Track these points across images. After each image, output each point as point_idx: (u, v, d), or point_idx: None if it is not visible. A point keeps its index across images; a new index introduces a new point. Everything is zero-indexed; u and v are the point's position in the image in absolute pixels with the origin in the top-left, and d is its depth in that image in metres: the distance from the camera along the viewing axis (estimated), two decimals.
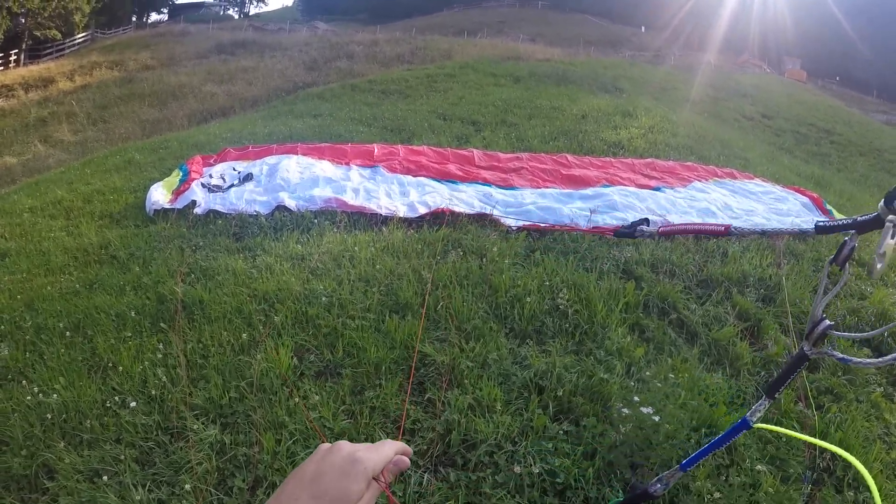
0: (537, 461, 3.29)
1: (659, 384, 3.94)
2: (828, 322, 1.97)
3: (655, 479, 2.56)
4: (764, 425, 2.26)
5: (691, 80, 29.11)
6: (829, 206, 9.30)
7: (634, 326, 4.88)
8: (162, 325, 4.81)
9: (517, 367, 4.16)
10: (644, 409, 3.45)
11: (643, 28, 60.17)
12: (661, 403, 3.63)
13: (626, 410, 3.57)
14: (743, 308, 5.37)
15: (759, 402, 2.23)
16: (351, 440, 3.19)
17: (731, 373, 4.48)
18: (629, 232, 3.18)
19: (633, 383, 4.04)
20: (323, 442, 2.99)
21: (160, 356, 4.36)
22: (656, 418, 3.42)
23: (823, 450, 3.65)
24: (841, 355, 2.00)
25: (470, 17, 64.51)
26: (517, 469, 3.23)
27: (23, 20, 44.34)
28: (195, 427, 3.61)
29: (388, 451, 1.04)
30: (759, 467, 3.41)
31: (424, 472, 3.27)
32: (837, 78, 59.96)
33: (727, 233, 2.54)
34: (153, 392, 3.97)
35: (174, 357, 4.33)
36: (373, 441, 1.20)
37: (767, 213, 8.32)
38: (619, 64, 31.25)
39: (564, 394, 3.84)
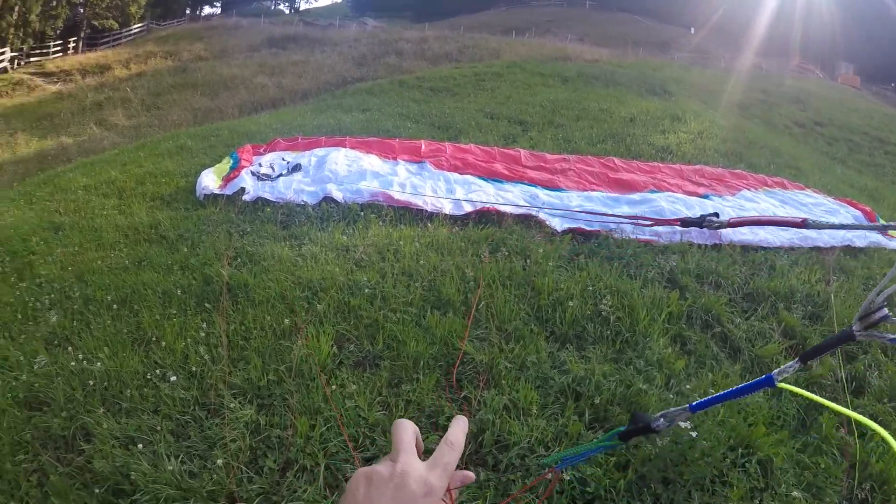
0: (569, 468, 3.25)
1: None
2: (886, 311, 1.89)
3: (660, 413, 2.49)
4: (788, 385, 2.16)
5: (741, 84, 28.17)
6: (882, 221, 9.09)
7: (676, 337, 4.77)
8: (206, 305, 4.91)
9: (555, 371, 4.11)
10: (682, 424, 3.37)
11: (692, 29, 58.96)
12: (700, 419, 3.57)
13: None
14: (789, 325, 5.18)
15: (790, 363, 2.15)
16: (384, 433, 3.20)
17: (773, 392, 4.32)
18: (697, 221, 3.11)
19: (671, 396, 3.96)
20: (343, 434, 2.91)
21: (203, 335, 4.46)
22: (693, 434, 3.36)
23: (862, 479, 3.53)
24: (892, 336, 1.91)
25: (517, 15, 64.07)
26: (549, 475, 3.21)
27: (81, 10, 45.35)
28: (232, 406, 3.69)
29: (452, 467, 0.95)
30: (794, 493, 3.31)
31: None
32: (893, 84, 58.35)
33: (804, 225, 2.47)
34: (194, 368, 4.07)
35: (216, 336, 4.42)
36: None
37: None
38: (668, 66, 30.65)
39: (601, 402, 3.80)
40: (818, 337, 5.10)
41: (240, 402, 3.75)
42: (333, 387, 3.82)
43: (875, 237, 8.05)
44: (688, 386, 4.08)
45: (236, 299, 4.98)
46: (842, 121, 25.80)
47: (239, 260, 5.76)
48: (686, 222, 3.47)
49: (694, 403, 2.40)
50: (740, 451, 3.51)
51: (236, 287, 5.15)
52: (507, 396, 3.78)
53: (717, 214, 2.93)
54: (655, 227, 6.87)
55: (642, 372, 4.18)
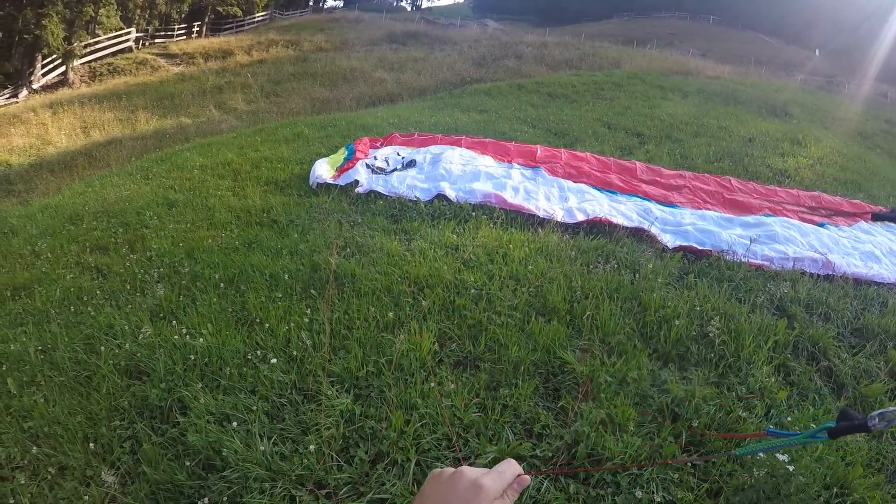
0: (660, 489, 3.15)
1: (799, 433, 3.69)
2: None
3: (877, 412, 2.30)
4: None
5: (866, 112, 26.86)
6: None
7: (780, 367, 4.56)
8: (312, 291, 4.95)
9: (655, 389, 3.98)
10: (780, 457, 3.23)
11: (817, 51, 56.63)
12: (798, 454, 3.41)
13: (761, 455, 3.35)
14: None
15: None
16: (478, 435, 3.15)
17: (874, 433, 4.13)
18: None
19: (771, 427, 3.77)
20: (450, 430, 2.88)
21: (306, 320, 4.49)
22: (790, 468, 3.20)
23: None
24: None
25: (640, 26, 62.98)
26: (638, 494, 3.10)
27: None
28: (329, 393, 3.68)
29: (508, 476, 1.06)
30: None
31: (545, 478, 3.17)
32: None
33: None
34: (294, 353, 4.10)
35: (319, 323, 4.44)
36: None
37: None
38: (791, 87, 29.44)
39: (699, 425, 3.65)
40: None
41: (337, 391, 3.75)
42: (432, 384, 3.77)
43: None
44: (788, 418, 3.88)
45: (342, 288, 5.01)
46: None
47: (348, 250, 5.81)
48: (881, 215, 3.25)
49: None
50: (835, 490, 3.34)
51: (343, 276, 5.18)
52: (604, 410, 3.67)
53: None
54: (767, 252, 6.63)
55: (743, 399, 4.02)
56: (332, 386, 3.78)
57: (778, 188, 9.88)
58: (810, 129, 17.23)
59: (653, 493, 3.12)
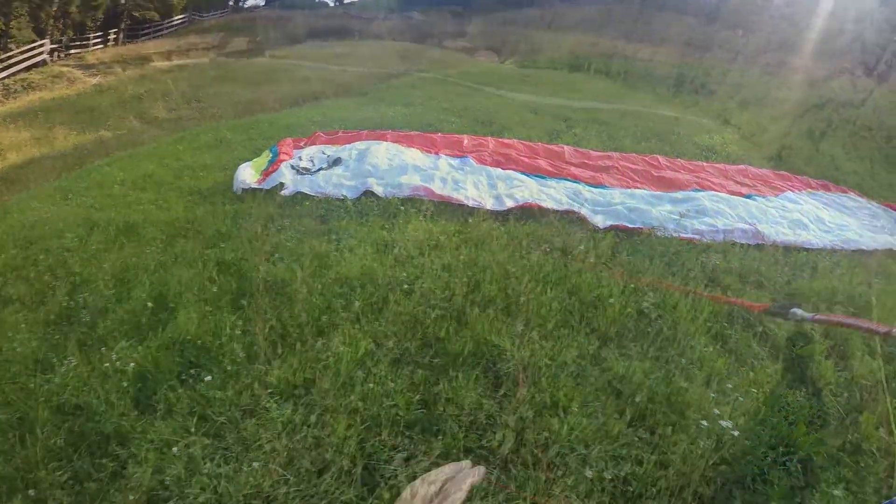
0: (609, 466, 3.20)
1: (740, 398, 3.79)
2: None
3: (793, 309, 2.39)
4: None
5: (786, 87, 27.84)
6: None
7: (718, 336, 4.72)
8: (242, 301, 4.84)
9: (596, 368, 4.05)
10: (724, 423, 3.39)
11: (741, 31, 58.07)
12: (742, 418, 3.51)
13: (704, 423, 3.48)
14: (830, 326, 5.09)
15: None
16: (423, 431, 3.12)
17: (814, 391, 4.29)
18: (780, 313, 3.04)
19: (713, 395, 3.90)
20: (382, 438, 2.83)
21: (238, 333, 4.37)
22: (735, 433, 3.36)
23: None
24: None
25: (561, 12, 63.76)
26: (588, 473, 3.14)
27: (122, 0, 45.65)
28: (268, 405, 3.62)
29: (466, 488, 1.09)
30: (836, 492, 3.28)
31: (494, 468, 3.19)
32: None
33: (889, 334, 2.35)
34: (229, 368, 3.99)
35: (252, 335, 4.33)
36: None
37: (861, 230, 8.11)
38: (715, 66, 30.40)
39: (642, 400, 3.73)
40: (858, 338, 5.03)
41: (276, 402, 3.68)
42: (371, 385, 3.74)
43: None
44: (729, 385, 4.04)
45: (273, 296, 4.91)
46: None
47: (276, 255, 5.72)
48: (770, 311, 3.44)
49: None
50: (781, 449, 3.49)
51: (273, 283, 5.09)
52: (547, 394, 3.71)
53: (799, 305, 2.86)
54: (697, 226, 6.78)
55: (683, 370, 4.13)
56: (271, 398, 3.71)
57: (705, 164, 10.11)
58: (734, 107, 17.63)
59: (602, 470, 3.17)
